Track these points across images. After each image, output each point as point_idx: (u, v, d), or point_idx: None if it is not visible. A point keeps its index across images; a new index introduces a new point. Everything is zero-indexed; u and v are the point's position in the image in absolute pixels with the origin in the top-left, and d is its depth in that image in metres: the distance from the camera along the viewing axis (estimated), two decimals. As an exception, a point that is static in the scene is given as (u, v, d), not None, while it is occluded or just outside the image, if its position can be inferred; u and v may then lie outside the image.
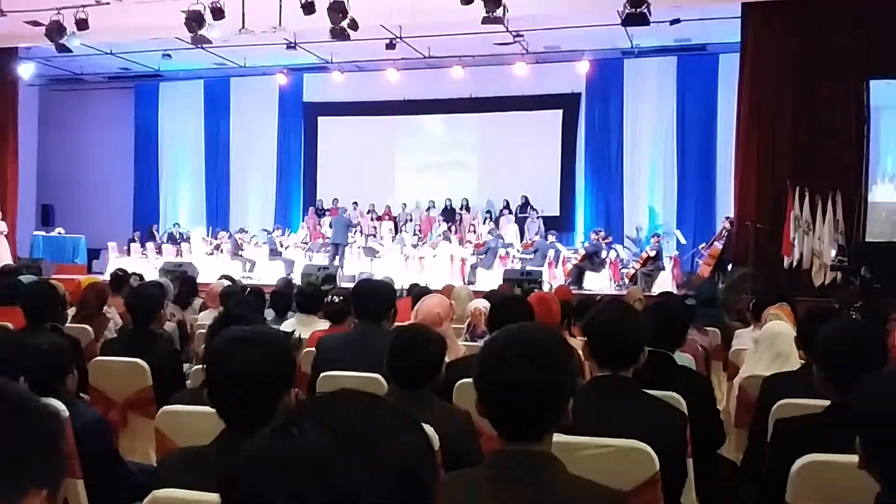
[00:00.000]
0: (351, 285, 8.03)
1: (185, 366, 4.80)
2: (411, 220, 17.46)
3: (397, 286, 7.80)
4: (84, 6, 12.11)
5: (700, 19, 13.42)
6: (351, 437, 0.91)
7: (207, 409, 2.02)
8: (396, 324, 4.66)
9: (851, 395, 2.07)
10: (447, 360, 3.73)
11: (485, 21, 11.03)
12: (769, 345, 4.02)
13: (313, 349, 4.13)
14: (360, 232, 16.77)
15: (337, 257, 15.32)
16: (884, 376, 1.67)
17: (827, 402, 2.57)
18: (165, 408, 2.84)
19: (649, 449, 2.26)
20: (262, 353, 1.92)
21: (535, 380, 1.73)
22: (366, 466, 0.89)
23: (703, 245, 13.79)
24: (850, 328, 2.60)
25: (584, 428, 2.25)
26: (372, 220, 17.57)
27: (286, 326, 5.49)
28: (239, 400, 1.89)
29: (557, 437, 1.91)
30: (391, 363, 2.86)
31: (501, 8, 10.79)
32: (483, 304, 5.01)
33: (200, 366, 3.71)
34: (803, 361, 3.75)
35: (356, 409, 0.96)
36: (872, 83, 11.40)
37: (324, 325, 4.96)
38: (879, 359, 2.45)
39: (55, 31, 12.45)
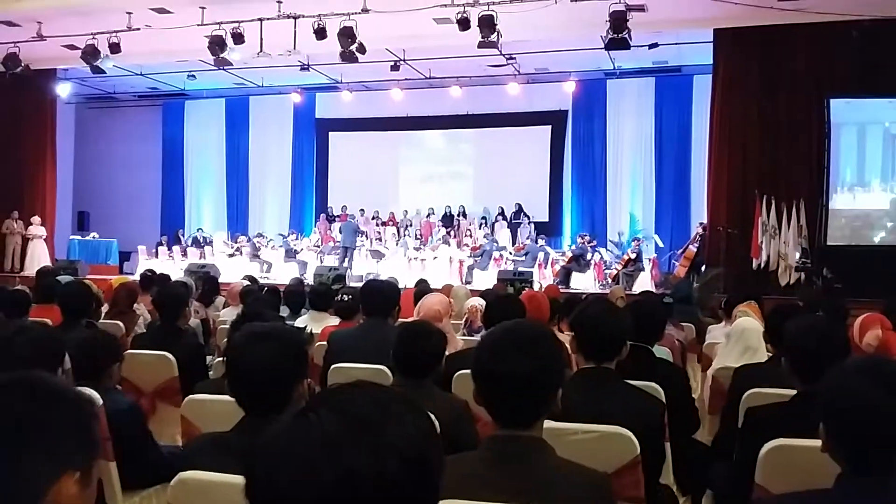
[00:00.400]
0: (359, 285, 8.00)
1: (208, 358, 4.80)
2: (412, 225, 17.45)
3: (401, 286, 7.78)
4: (117, 31, 12.09)
5: (676, 44, 13.42)
6: (363, 423, 0.91)
7: (228, 397, 2.01)
8: (400, 319, 4.67)
9: (816, 386, 2.07)
10: (447, 353, 3.74)
11: (480, 45, 11.01)
12: (738, 339, 4.01)
13: (325, 343, 4.12)
14: (367, 236, 16.75)
15: (346, 259, 15.31)
16: (845, 369, 1.67)
17: (793, 392, 2.56)
18: (190, 397, 2.84)
19: (631, 434, 2.26)
20: (278, 347, 1.92)
21: (527, 370, 1.72)
22: (376, 449, 0.89)
23: (680, 250, 13.76)
24: (814, 325, 2.59)
25: (572, 415, 2.25)
26: (378, 225, 17.55)
27: (300, 322, 5.48)
28: (257, 389, 1.89)
29: (548, 424, 1.91)
30: (397, 355, 2.85)
31: (496, 33, 10.78)
32: (479, 302, 4.99)
33: (222, 358, 3.71)
34: (770, 354, 3.76)
35: (368, 397, 0.96)
36: (832, 102, 11.41)
37: (334, 320, 4.94)
38: (841, 352, 2.44)
39: (90, 54, 12.43)
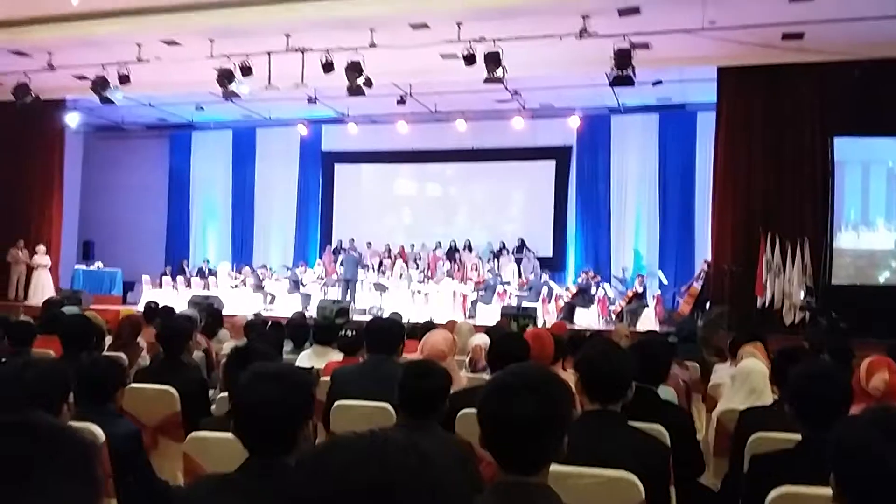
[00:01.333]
0: (363, 318, 8.06)
1: (211, 391, 4.79)
2: (419, 258, 17.46)
3: (405, 320, 7.77)
4: (126, 63, 12.26)
5: (680, 81, 13.55)
6: (412, 473, 0.97)
7: (232, 435, 2.00)
8: (405, 355, 4.65)
9: (825, 432, 2.07)
10: (451, 390, 3.73)
11: (486, 81, 11.14)
12: (744, 381, 3.99)
13: (328, 378, 4.11)
14: (373, 268, 16.77)
15: (348, 292, 15.29)
16: (857, 420, 1.67)
17: (798, 436, 2.55)
18: (193, 434, 2.83)
19: (635, 478, 2.25)
20: (285, 388, 1.91)
21: (535, 414, 1.72)
22: (427, 497, 0.95)
23: (684, 287, 13.74)
24: (817, 371, 2.58)
25: (576, 458, 2.24)
26: (388, 257, 17.51)
27: (303, 357, 5.48)
28: (263, 431, 1.88)
29: (552, 467, 1.90)
30: (401, 394, 2.84)
31: (501, 69, 10.91)
32: (483, 340, 4.98)
33: (224, 392, 3.70)
34: (776, 396, 3.74)
35: (410, 450, 1.02)
36: (836, 140, 11.47)
37: (338, 355, 4.93)
38: (845, 399, 2.44)
39: (100, 84, 12.59)
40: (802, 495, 2.14)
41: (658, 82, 13.19)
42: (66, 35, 11.99)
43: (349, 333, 4.69)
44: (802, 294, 11.21)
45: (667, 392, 3.84)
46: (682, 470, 2.85)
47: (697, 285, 12.91)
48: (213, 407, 4.32)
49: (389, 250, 17.76)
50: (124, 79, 12.42)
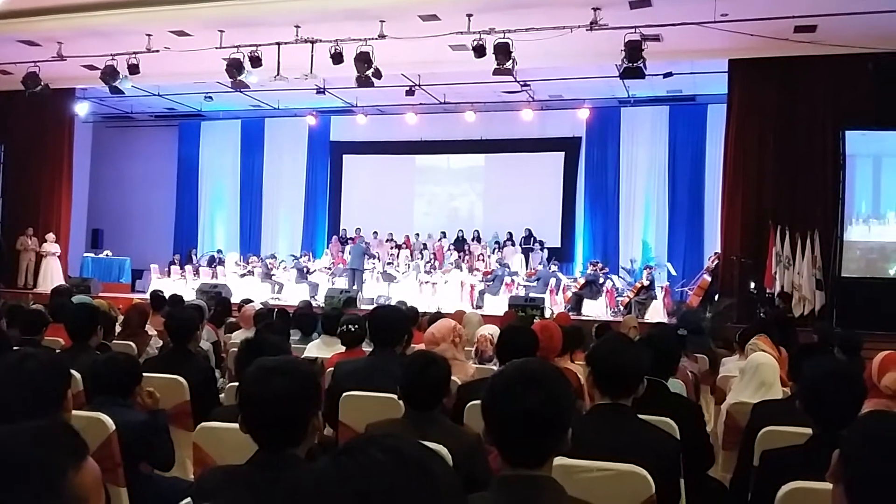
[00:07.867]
0: (369, 307, 8.06)
1: (220, 381, 4.80)
2: (426, 248, 17.46)
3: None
4: (136, 53, 12.25)
5: (690, 73, 13.47)
6: (411, 461, 0.99)
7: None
8: (413, 345, 4.63)
9: (837, 429, 2.06)
10: (459, 381, 3.71)
11: (496, 72, 11.08)
12: (753, 374, 3.97)
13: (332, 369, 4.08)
14: (379, 259, 16.76)
15: (355, 281, 15.28)
16: (869, 427, 1.65)
17: (807, 430, 2.53)
18: (203, 424, 2.82)
19: (645, 472, 2.24)
20: (292, 381, 1.89)
21: (538, 410, 1.70)
22: (425, 484, 0.98)
23: (695, 279, 13.69)
24: (834, 368, 2.55)
25: (587, 452, 2.23)
26: (393, 248, 17.55)
27: (311, 347, 5.48)
28: (272, 424, 1.87)
29: (561, 461, 1.89)
30: (404, 388, 2.83)
31: (511, 61, 10.85)
32: (490, 331, 4.96)
33: (234, 382, 3.70)
34: (786, 390, 3.71)
35: (408, 441, 1.05)
36: (848, 133, 11.39)
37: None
38: (858, 397, 2.42)
39: (109, 74, 12.58)
40: (814, 491, 2.12)
41: (669, 74, 13.11)
42: (75, 25, 11.97)
43: (351, 328, 4.61)
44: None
45: (676, 385, 3.83)
46: (691, 463, 2.84)
47: (708, 277, 12.86)
48: (221, 396, 4.33)
49: (392, 239, 17.76)
50: (133, 69, 12.41)
